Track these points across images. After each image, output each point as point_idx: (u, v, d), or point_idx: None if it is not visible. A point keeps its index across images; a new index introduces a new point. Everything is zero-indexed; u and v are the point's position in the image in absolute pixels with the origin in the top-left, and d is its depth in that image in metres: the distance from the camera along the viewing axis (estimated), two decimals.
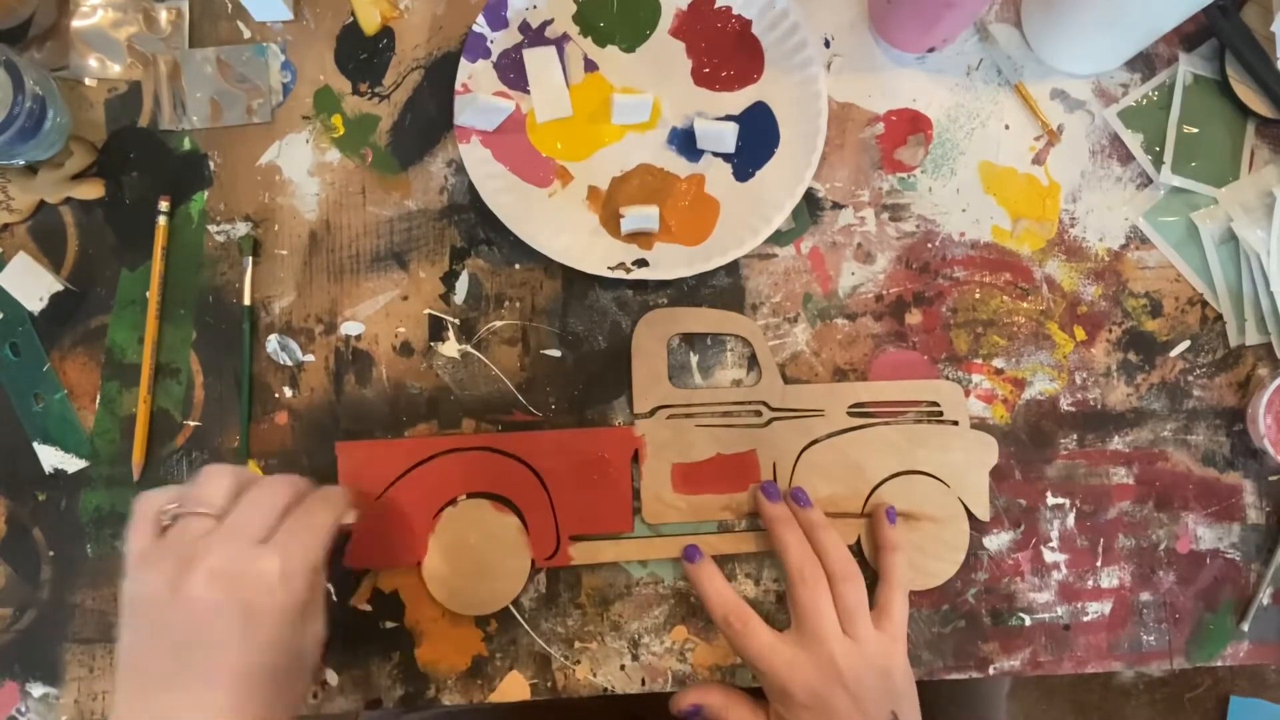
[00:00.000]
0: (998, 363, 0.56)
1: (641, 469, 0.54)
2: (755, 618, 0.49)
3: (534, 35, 0.56)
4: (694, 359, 0.55)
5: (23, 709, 0.53)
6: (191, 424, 0.55)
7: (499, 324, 0.56)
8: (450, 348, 0.55)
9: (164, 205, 0.55)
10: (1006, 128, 0.57)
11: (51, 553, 0.54)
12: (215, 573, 0.39)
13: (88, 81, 0.56)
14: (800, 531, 0.51)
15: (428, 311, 0.55)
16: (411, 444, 0.54)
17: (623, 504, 0.54)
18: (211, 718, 0.38)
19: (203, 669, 0.39)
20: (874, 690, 0.47)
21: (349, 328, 0.55)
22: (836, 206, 0.56)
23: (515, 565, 0.53)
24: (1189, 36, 0.57)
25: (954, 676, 0.54)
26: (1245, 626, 0.55)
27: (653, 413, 0.54)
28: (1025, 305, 0.56)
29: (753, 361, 0.55)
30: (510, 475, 0.53)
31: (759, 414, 0.54)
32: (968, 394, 0.56)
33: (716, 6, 0.56)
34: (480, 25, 0.55)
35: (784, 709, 0.48)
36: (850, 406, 0.54)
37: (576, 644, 0.54)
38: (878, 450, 0.54)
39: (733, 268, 0.56)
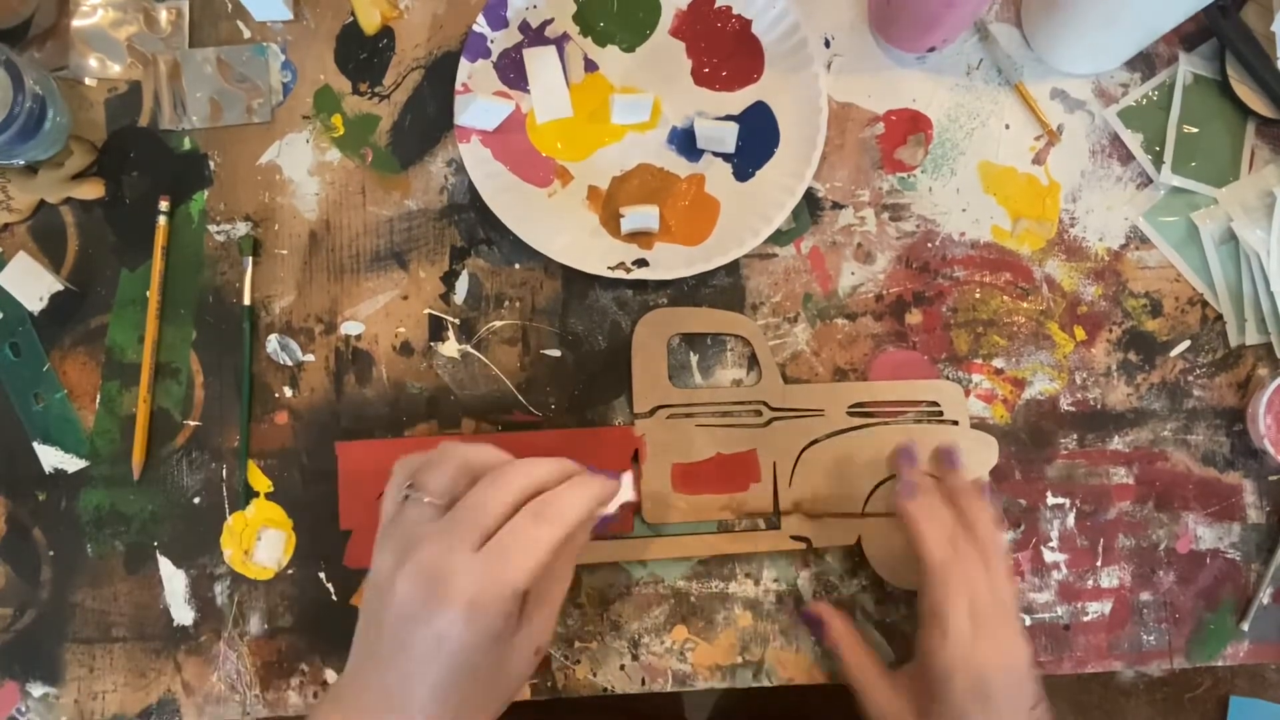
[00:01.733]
0: (998, 363, 0.56)
1: (641, 469, 0.54)
2: None
3: (534, 35, 0.56)
4: (694, 359, 0.55)
5: (23, 709, 0.53)
6: (191, 424, 0.55)
7: (499, 324, 0.56)
8: (450, 347, 0.55)
9: (164, 205, 0.55)
10: (1006, 127, 0.57)
11: (51, 553, 0.54)
12: (417, 574, 0.37)
13: (88, 81, 0.56)
14: (945, 515, 0.48)
15: (428, 311, 0.55)
16: (412, 444, 0.54)
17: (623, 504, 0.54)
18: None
19: (400, 669, 0.37)
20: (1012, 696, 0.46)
21: (349, 327, 0.55)
22: (836, 206, 0.56)
23: None
24: (1189, 36, 0.57)
25: None
26: (1245, 626, 0.55)
27: (652, 412, 0.54)
28: (1025, 305, 0.56)
29: (753, 361, 0.55)
30: None
31: (759, 414, 0.54)
32: (968, 394, 0.56)
33: (716, 6, 0.56)
34: (480, 25, 0.55)
35: (945, 688, 0.45)
36: (850, 406, 0.54)
37: (576, 644, 0.54)
38: (878, 450, 0.54)
39: (733, 268, 0.56)
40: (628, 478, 0.44)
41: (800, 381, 0.55)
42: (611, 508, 0.42)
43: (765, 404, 0.54)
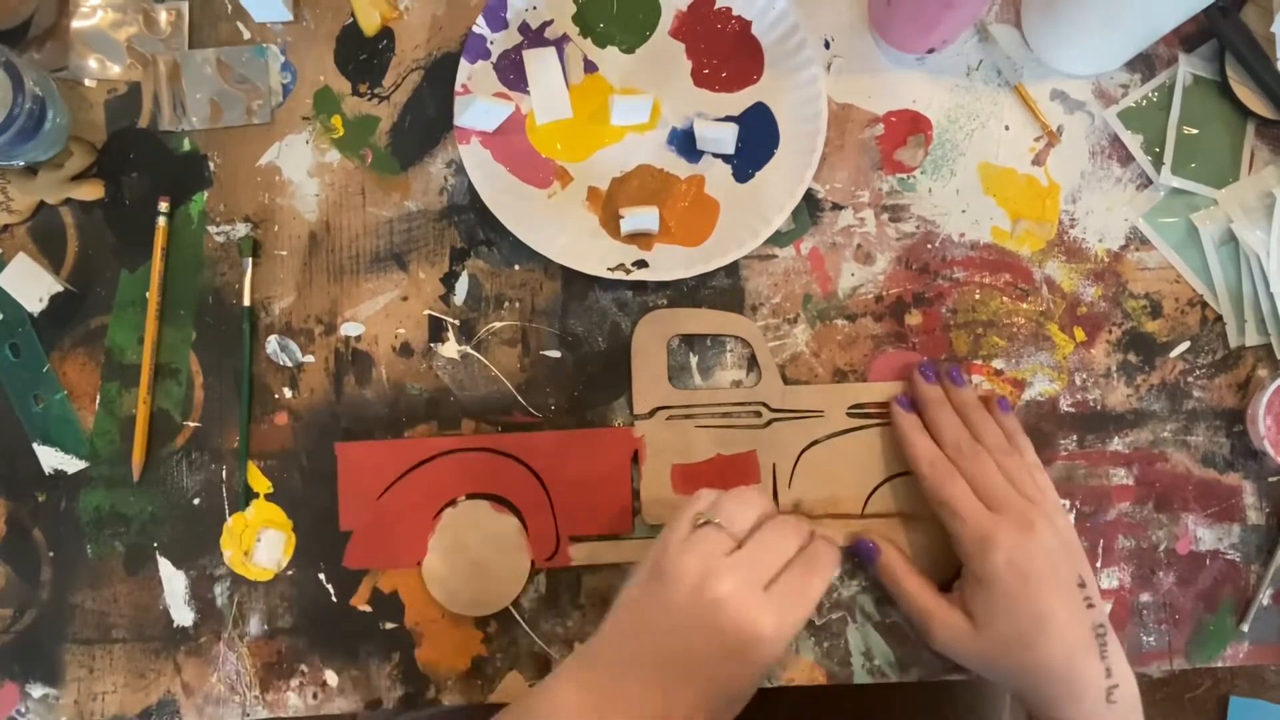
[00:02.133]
0: (998, 364, 0.56)
1: (641, 470, 0.54)
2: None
3: (534, 36, 0.56)
4: (694, 360, 0.55)
5: (23, 709, 0.53)
6: (191, 424, 0.55)
7: (499, 325, 0.56)
8: (450, 348, 0.55)
9: (164, 206, 0.55)
10: (1006, 128, 0.57)
11: (51, 553, 0.54)
12: (722, 599, 0.42)
13: (87, 82, 0.56)
14: (953, 416, 0.51)
15: (427, 312, 0.55)
16: (411, 444, 0.54)
17: (622, 505, 0.54)
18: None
19: (671, 676, 0.42)
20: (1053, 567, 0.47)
21: (349, 328, 0.55)
22: (836, 207, 0.56)
23: (515, 566, 0.53)
24: (1189, 37, 0.57)
25: (956, 677, 0.54)
26: (1245, 627, 0.55)
27: (652, 413, 0.54)
28: (1025, 306, 0.56)
29: (752, 362, 0.55)
30: (510, 476, 0.53)
31: (759, 414, 0.54)
32: None
33: (716, 7, 0.56)
34: (480, 26, 0.55)
35: (981, 566, 0.47)
36: (850, 407, 0.54)
37: (576, 644, 0.54)
38: (878, 450, 0.54)
39: (732, 269, 0.56)
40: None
41: (800, 382, 0.55)
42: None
43: (765, 405, 0.54)
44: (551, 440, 0.54)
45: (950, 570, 0.52)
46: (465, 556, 0.53)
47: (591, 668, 0.44)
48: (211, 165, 0.56)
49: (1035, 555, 0.46)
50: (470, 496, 0.54)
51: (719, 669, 0.42)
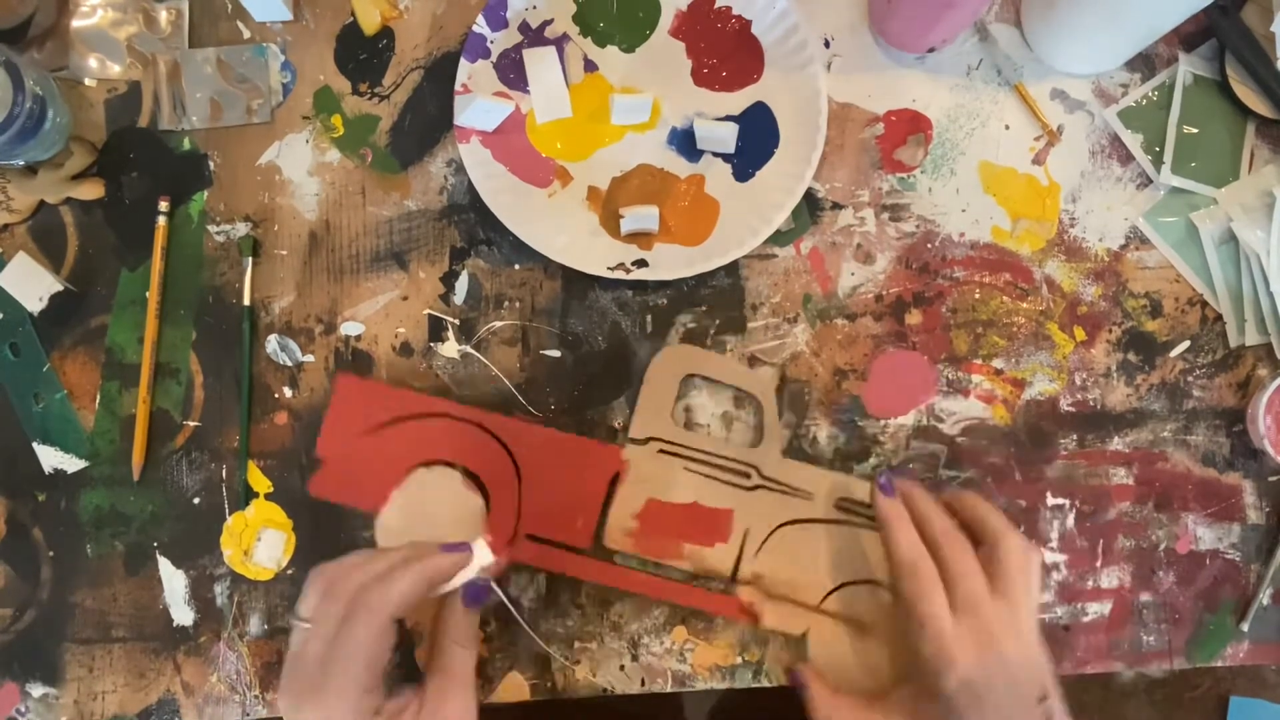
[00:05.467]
0: (998, 363, 0.56)
1: (616, 492, 0.53)
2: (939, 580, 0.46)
3: (534, 35, 0.56)
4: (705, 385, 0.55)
5: (23, 709, 0.53)
6: (191, 424, 0.55)
7: (499, 324, 0.56)
8: (450, 348, 0.55)
9: (164, 205, 0.55)
10: (1006, 128, 0.57)
11: (51, 553, 0.54)
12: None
13: (88, 81, 0.56)
14: (912, 528, 0.47)
15: (427, 312, 0.55)
16: (409, 396, 0.54)
17: (586, 520, 0.53)
18: None
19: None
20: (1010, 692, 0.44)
21: (349, 328, 0.55)
22: (836, 207, 0.56)
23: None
24: (1189, 36, 0.57)
25: None
26: (1245, 627, 0.55)
27: (646, 441, 0.54)
28: (1025, 305, 0.56)
29: (757, 406, 0.54)
30: (490, 457, 0.53)
31: (748, 476, 0.53)
32: (967, 395, 0.55)
33: (716, 6, 0.56)
34: (480, 25, 0.55)
35: (936, 683, 0.44)
36: (840, 499, 0.53)
37: (576, 644, 0.54)
38: (853, 551, 0.52)
39: (732, 268, 0.56)
40: (480, 545, 0.47)
41: (799, 382, 0.55)
42: (465, 576, 0.46)
43: (758, 470, 0.53)
44: (541, 436, 0.54)
45: (889, 684, 0.50)
46: (422, 518, 0.53)
47: None
48: (211, 165, 0.56)
49: (994, 675, 0.43)
50: (447, 464, 0.53)
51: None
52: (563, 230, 0.55)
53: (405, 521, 0.53)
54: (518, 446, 0.53)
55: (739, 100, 0.56)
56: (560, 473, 0.53)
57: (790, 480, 0.53)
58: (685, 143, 0.56)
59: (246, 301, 0.55)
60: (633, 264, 0.54)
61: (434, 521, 0.53)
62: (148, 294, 0.55)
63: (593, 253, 0.54)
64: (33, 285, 0.55)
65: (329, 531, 0.54)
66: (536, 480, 0.53)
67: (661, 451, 0.53)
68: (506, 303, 0.56)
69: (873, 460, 0.55)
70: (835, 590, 0.52)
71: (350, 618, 0.42)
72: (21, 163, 0.54)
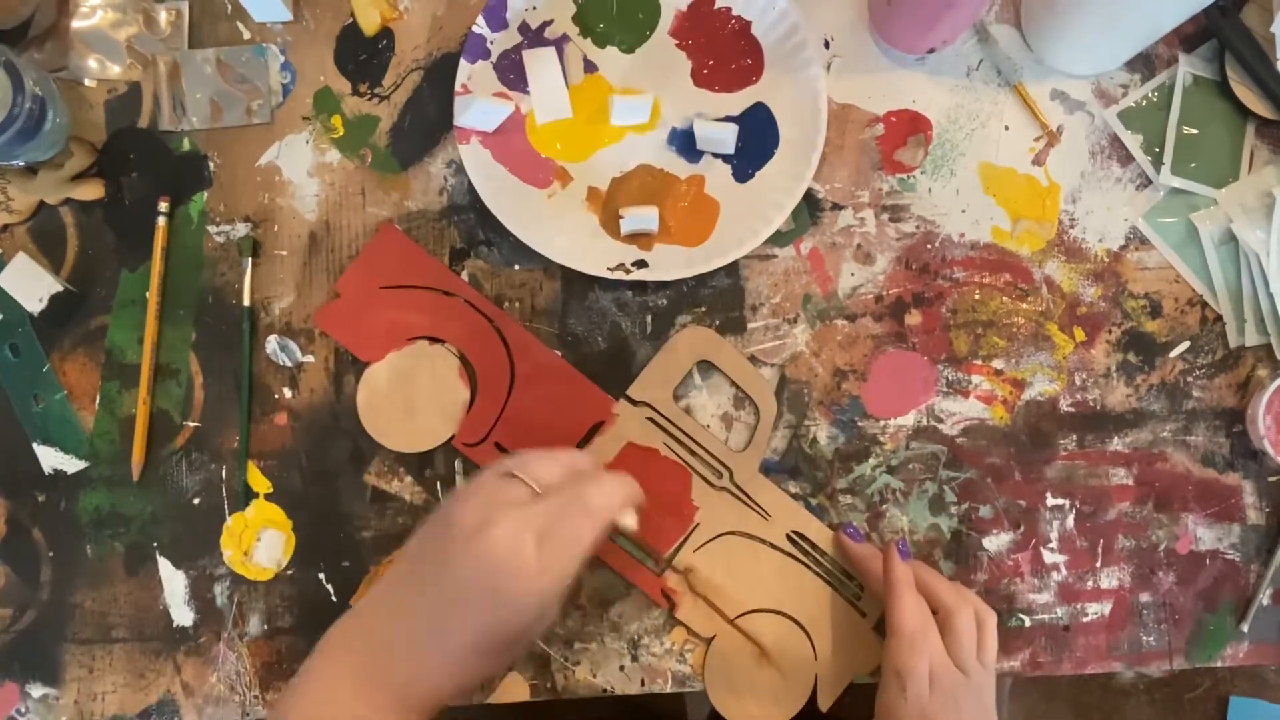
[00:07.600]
0: (997, 364, 0.56)
1: (593, 440, 0.54)
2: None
3: (533, 36, 0.56)
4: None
5: (23, 709, 0.53)
6: (191, 425, 0.55)
7: None
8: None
9: (164, 206, 0.55)
10: (1006, 128, 0.57)
11: (51, 553, 0.54)
12: (495, 537, 0.40)
13: (87, 82, 0.56)
14: (919, 596, 0.50)
15: None
16: (440, 268, 0.55)
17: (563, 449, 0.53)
18: (429, 665, 0.41)
19: (440, 617, 0.41)
20: None
21: None
22: (836, 207, 0.56)
23: (438, 426, 0.54)
24: (1189, 37, 0.57)
25: None
26: (1245, 627, 0.55)
27: (639, 405, 0.54)
28: (1025, 306, 0.56)
29: (753, 407, 0.55)
30: (492, 356, 0.54)
31: (719, 475, 0.54)
32: (967, 395, 0.56)
33: (716, 7, 0.56)
34: (480, 26, 0.55)
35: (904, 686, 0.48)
36: (793, 531, 0.54)
37: (576, 644, 0.54)
38: (785, 583, 0.53)
39: (732, 268, 0.56)
40: (630, 514, 0.46)
41: (798, 383, 0.55)
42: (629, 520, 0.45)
43: (731, 472, 0.54)
44: (546, 357, 0.54)
45: (788, 709, 0.52)
46: (407, 388, 0.54)
47: (358, 617, 0.43)
48: (211, 165, 0.56)
49: None
50: (448, 348, 0.54)
51: (486, 608, 0.40)
52: (563, 231, 0.55)
53: (390, 385, 0.54)
54: (521, 358, 0.54)
55: (739, 101, 0.56)
56: (550, 398, 0.54)
57: (756, 495, 0.54)
58: (685, 143, 0.56)
59: (246, 302, 0.55)
60: (633, 265, 0.54)
61: (418, 394, 0.54)
62: (147, 294, 0.55)
63: (593, 253, 0.54)
64: (33, 286, 0.55)
65: (329, 531, 0.54)
66: (526, 396, 0.54)
67: (650, 420, 0.54)
68: (506, 303, 0.56)
69: (872, 460, 0.55)
70: (754, 611, 0.53)
71: (583, 513, 0.41)
72: (21, 163, 0.54)
